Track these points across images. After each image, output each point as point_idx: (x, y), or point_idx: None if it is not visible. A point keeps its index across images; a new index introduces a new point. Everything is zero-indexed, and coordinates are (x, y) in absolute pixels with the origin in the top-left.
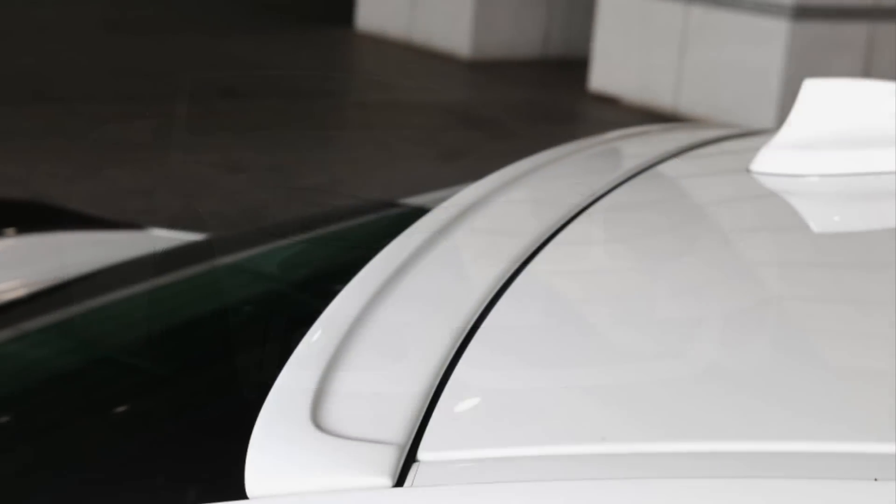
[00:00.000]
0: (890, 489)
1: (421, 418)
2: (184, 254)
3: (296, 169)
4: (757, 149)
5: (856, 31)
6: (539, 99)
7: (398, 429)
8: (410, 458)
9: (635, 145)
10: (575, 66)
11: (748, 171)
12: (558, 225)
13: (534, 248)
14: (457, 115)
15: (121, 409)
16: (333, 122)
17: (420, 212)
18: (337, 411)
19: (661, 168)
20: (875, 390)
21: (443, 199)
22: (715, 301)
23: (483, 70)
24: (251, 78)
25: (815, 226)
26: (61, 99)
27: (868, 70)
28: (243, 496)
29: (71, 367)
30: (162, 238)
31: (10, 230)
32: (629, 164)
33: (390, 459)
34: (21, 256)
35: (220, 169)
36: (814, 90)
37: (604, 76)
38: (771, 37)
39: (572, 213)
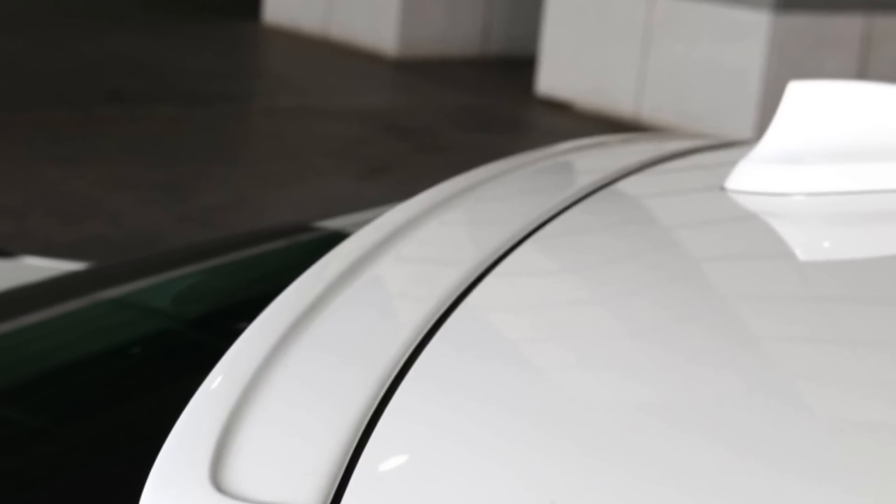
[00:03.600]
0: None
1: (339, 479)
2: (60, 286)
3: (193, 186)
4: (733, 163)
5: (849, 25)
6: (477, 104)
7: (312, 491)
8: None
9: (590, 159)
10: (519, 65)
11: (723, 189)
12: (500, 253)
13: (471, 280)
14: (381, 123)
15: None
16: (237, 132)
17: (338, 237)
18: (241, 471)
19: (621, 186)
20: (873, 446)
21: (364, 223)
22: (684, 341)
23: (412, 70)
24: (141, 80)
25: (802, 253)
26: None
27: (863, 70)
28: None
29: None
30: (35, 267)
31: None
32: (583, 182)
33: None
34: None
35: (103, 186)
36: (800, 94)
37: (553, 78)
38: (749, 31)
39: (516, 239)
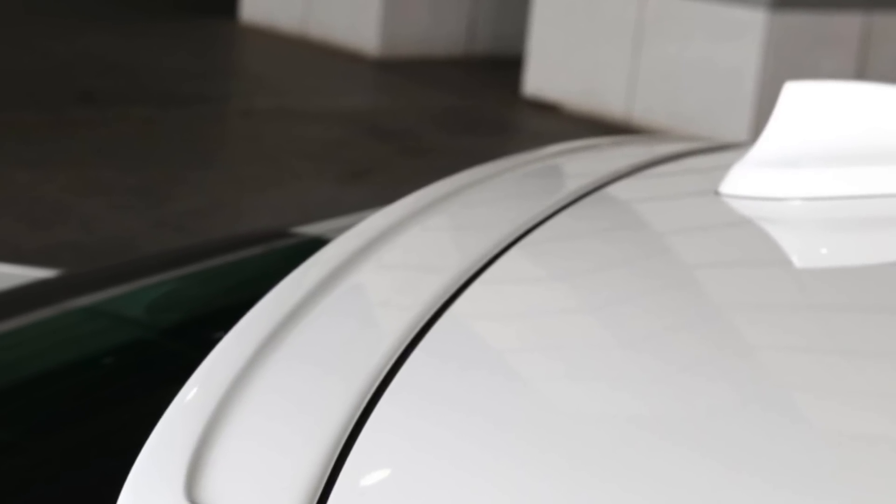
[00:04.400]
0: None
1: (319, 495)
2: (30, 294)
3: (167, 190)
4: (728, 166)
5: (848, 24)
6: (462, 105)
7: None
8: None
9: (579, 163)
10: (506, 65)
11: (717, 193)
12: (485, 259)
13: (455, 288)
14: (362, 125)
15: None
16: (213, 134)
17: (317, 243)
18: (217, 486)
19: (611, 190)
20: (872, 459)
21: (345, 228)
22: (676, 351)
23: (394, 70)
24: (113, 81)
25: (799, 260)
26: None
27: (862, 70)
28: None
29: None
30: (3, 275)
31: None
32: (572, 186)
33: None
34: None
35: (74, 191)
36: (797, 95)
37: (541, 78)
38: (745, 29)
39: (502, 246)
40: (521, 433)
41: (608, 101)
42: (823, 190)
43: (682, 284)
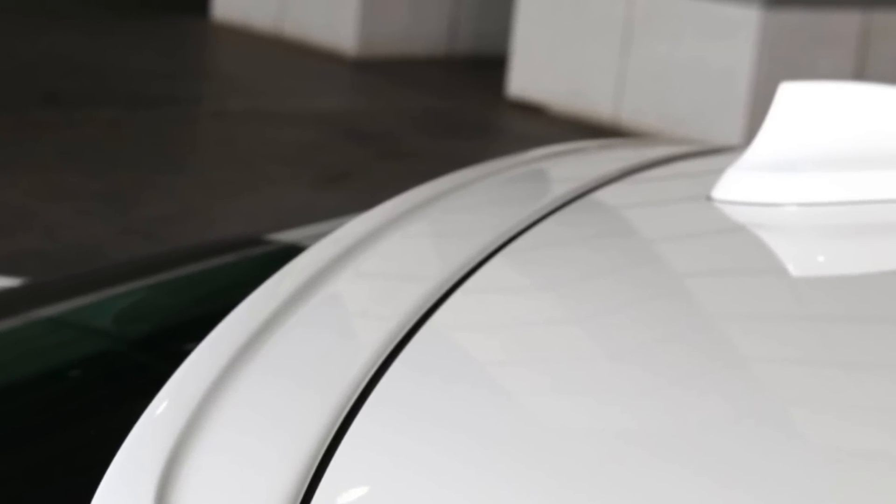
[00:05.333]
0: None
1: None
2: None
3: (135, 196)
4: (720, 170)
5: (846, 22)
6: (443, 107)
7: None
8: None
9: (565, 167)
10: (489, 65)
11: (709, 198)
12: (468, 268)
13: (437, 298)
14: (339, 128)
15: None
16: (183, 137)
17: (293, 251)
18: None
19: (599, 195)
20: (871, 477)
21: (321, 235)
22: (667, 364)
23: (372, 70)
24: (79, 81)
25: (795, 269)
26: None
27: (861, 70)
28: None
29: None
30: None
31: None
32: (558, 191)
33: None
34: None
35: (38, 196)
36: (792, 96)
37: (526, 79)
38: (738, 28)
39: (486, 253)
40: (505, 449)
41: (596, 102)
42: (820, 195)
43: (672, 294)
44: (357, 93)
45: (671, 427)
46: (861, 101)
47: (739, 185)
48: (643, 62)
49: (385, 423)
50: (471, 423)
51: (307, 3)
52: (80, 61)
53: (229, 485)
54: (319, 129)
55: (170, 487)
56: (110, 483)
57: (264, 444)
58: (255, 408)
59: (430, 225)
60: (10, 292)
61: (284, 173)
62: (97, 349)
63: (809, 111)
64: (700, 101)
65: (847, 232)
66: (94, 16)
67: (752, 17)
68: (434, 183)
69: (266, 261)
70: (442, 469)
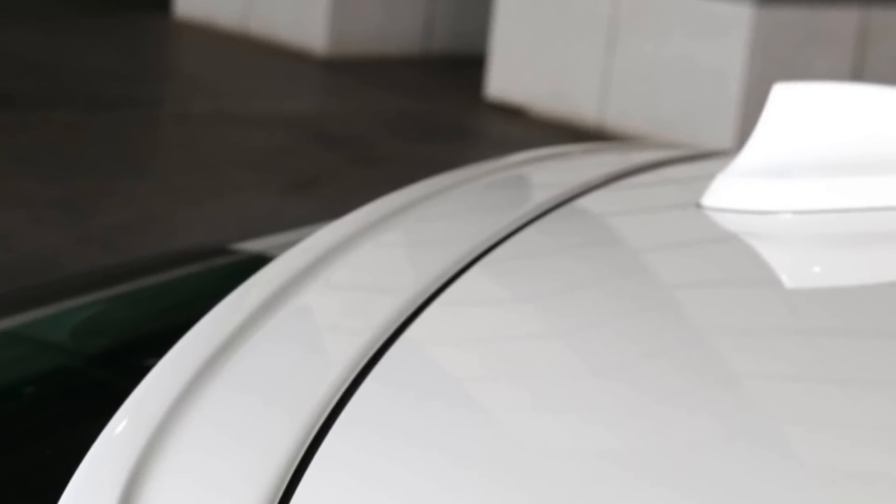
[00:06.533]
0: None
1: None
2: None
3: (94, 203)
4: (711, 176)
5: (843, 19)
6: (418, 109)
7: None
8: None
9: (547, 172)
10: (467, 65)
11: (698, 206)
12: (444, 279)
13: (411, 310)
14: (308, 131)
15: None
16: (144, 141)
17: (259, 261)
18: None
19: (582, 203)
20: (869, 499)
21: (289, 245)
22: (654, 380)
23: (344, 70)
24: (35, 82)
25: (789, 280)
26: None
27: (859, 70)
28: None
29: None
30: None
31: None
32: (539, 198)
33: None
34: None
35: None
36: (786, 97)
37: (506, 79)
38: (729, 26)
39: (463, 264)
40: (483, 471)
41: (579, 104)
42: (816, 202)
43: (660, 307)
44: (327, 94)
45: (658, 447)
46: (859, 103)
47: (731, 191)
48: (629, 62)
49: (357, 442)
50: (447, 443)
51: (274, 0)
52: (35, 61)
53: None
54: (287, 132)
55: None
56: None
57: (229, 466)
58: (220, 427)
59: (405, 234)
60: None
61: (250, 179)
62: (53, 365)
63: (804, 114)
64: (689, 102)
65: (844, 241)
66: (50, 13)
67: (743, 14)
68: (408, 189)
69: (231, 271)
70: (417, 491)
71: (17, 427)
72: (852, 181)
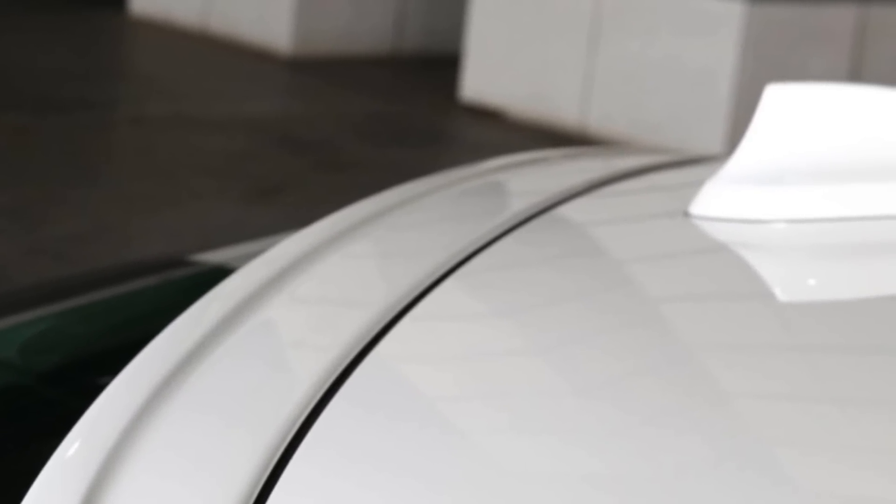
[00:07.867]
0: None
1: None
2: None
3: (44, 211)
4: (699, 183)
5: (840, 17)
6: (389, 112)
7: None
8: None
9: (526, 179)
10: (441, 65)
11: (686, 214)
12: (416, 292)
13: (381, 325)
14: (272, 135)
15: None
16: (98, 145)
17: (220, 273)
18: None
19: (563, 211)
20: None
21: (252, 256)
22: (640, 400)
23: (310, 71)
24: None
25: (782, 293)
26: None
27: (857, 71)
28: None
29: None
30: None
31: None
32: (517, 206)
33: None
34: None
35: None
36: (780, 99)
37: (482, 80)
38: (719, 23)
39: (436, 276)
40: (458, 496)
41: (559, 106)
42: (811, 211)
43: (646, 322)
44: (292, 96)
45: (644, 471)
46: (857, 106)
47: (720, 199)
48: (613, 61)
49: (323, 465)
50: (419, 467)
51: None
52: None
53: None
54: (250, 136)
55: None
56: None
57: (188, 491)
58: (178, 449)
59: (374, 244)
60: None
61: (211, 186)
62: (0, 384)
63: (799, 116)
64: (676, 105)
65: (841, 252)
66: None
67: (734, 11)
68: (378, 197)
69: (190, 284)
70: None
71: None
72: (850, 188)
